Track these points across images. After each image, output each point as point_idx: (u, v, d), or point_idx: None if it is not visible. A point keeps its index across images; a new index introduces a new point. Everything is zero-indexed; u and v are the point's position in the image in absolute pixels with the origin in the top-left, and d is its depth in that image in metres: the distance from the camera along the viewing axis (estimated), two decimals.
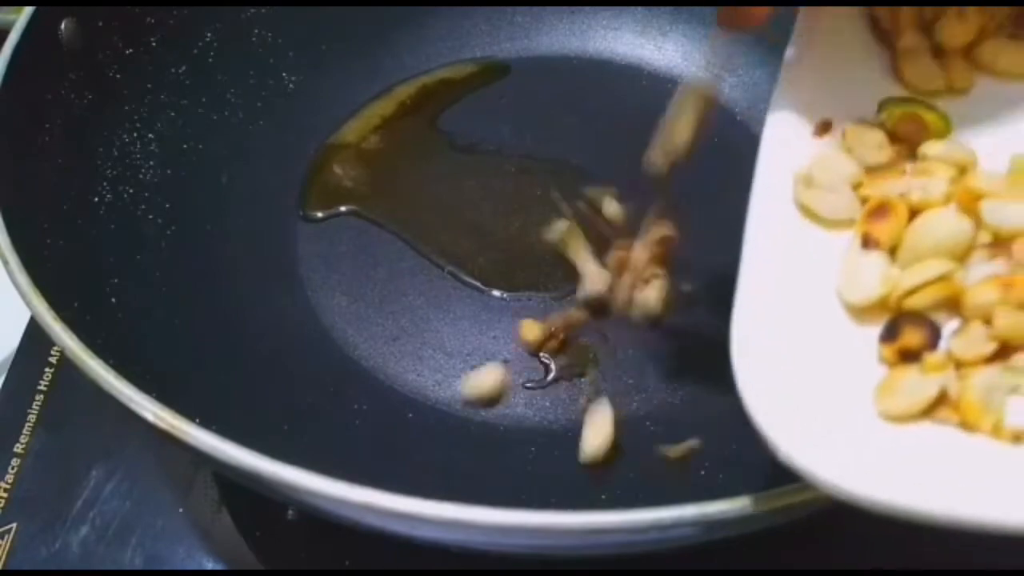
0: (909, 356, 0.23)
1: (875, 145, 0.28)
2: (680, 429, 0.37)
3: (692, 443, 0.35)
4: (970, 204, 0.25)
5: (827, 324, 0.24)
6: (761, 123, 0.46)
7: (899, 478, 0.20)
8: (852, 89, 0.30)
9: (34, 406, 0.42)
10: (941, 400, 0.22)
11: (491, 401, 0.38)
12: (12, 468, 0.40)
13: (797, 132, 0.29)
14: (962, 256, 0.25)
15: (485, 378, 0.38)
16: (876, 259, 0.25)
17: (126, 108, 0.41)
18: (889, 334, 0.24)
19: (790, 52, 0.30)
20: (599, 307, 0.40)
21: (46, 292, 0.29)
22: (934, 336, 0.23)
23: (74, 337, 0.28)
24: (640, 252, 0.40)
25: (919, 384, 0.22)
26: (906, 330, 0.23)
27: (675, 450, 0.35)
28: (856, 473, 0.20)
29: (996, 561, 0.35)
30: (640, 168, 0.45)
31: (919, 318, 0.24)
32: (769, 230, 0.26)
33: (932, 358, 0.23)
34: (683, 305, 0.40)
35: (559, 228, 0.43)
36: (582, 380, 0.38)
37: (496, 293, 0.41)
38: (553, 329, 0.39)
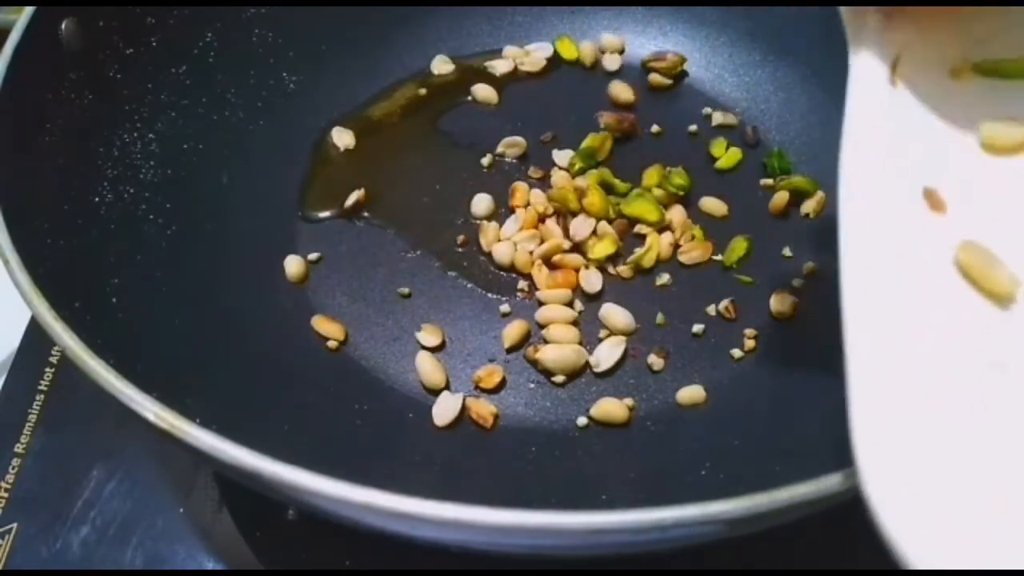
0: None
1: None
2: (681, 429, 0.37)
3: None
4: None
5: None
6: (761, 123, 0.47)
7: None
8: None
9: (34, 406, 0.42)
10: None
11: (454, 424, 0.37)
12: (12, 468, 0.40)
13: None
14: None
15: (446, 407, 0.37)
16: None
17: (126, 108, 0.41)
18: None
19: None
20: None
21: (46, 292, 0.29)
22: None
23: (74, 337, 0.28)
24: None
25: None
26: None
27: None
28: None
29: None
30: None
31: None
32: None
33: None
34: (682, 308, 0.41)
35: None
36: (582, 380, 0.39)
37: (496, 294, 0.41)
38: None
